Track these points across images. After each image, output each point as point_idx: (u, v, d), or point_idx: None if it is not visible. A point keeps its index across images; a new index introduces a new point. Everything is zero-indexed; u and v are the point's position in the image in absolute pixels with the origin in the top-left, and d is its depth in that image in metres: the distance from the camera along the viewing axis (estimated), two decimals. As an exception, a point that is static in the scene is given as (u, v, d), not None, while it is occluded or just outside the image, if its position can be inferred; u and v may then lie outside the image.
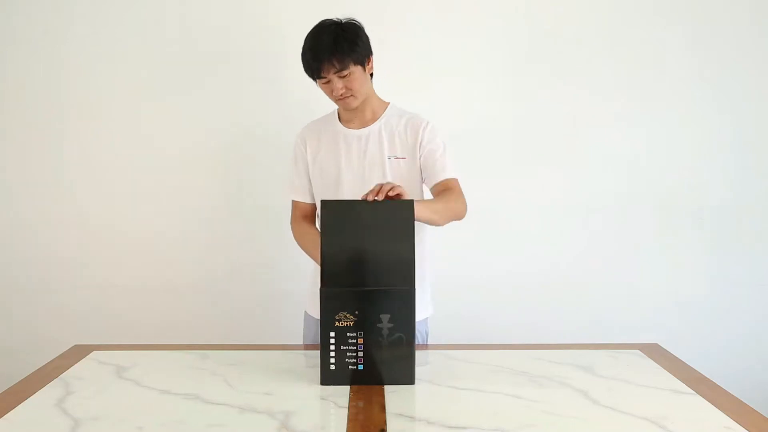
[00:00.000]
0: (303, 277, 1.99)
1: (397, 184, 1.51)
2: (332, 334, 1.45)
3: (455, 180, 1.80)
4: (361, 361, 1.45)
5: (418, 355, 1.50)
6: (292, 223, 1.90)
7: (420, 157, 1.80)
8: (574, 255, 2.58)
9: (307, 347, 1.81)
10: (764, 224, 2.63)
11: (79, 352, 1.71)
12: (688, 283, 2.63)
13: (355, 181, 1.79)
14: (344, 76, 1.68)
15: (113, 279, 2.59)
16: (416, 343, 1.48)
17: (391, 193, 1.48)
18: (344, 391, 1.42)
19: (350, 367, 1.45)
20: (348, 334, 1.44)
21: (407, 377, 1.45)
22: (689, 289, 2.62)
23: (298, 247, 1.85)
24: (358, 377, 1.45)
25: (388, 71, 2.57)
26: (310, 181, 1.87)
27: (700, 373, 1.54)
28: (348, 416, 1.29)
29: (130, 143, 2.54)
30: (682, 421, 1.27)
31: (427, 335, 1.95)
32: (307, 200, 1.89)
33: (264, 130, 2.51)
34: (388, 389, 1.44)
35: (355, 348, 1.45)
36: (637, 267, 2.60)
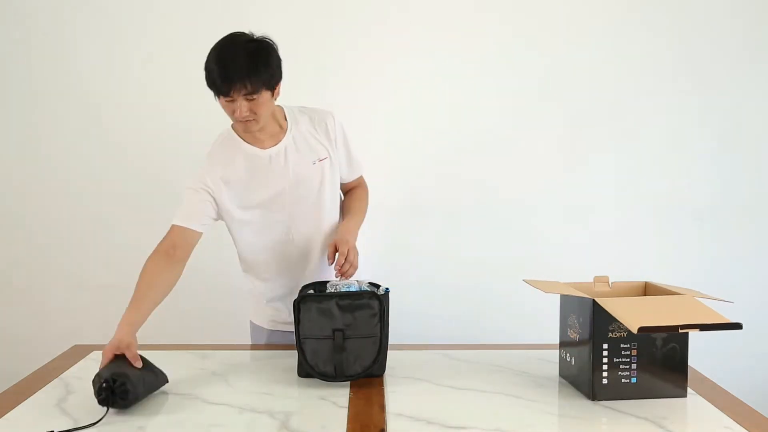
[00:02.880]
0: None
1: (347, 245, 1.60)
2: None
3: (362, 178, 1.88)
4: None
5: (417, 354, 1.49)
6: (155, 249, 1.67)
7: (336, 154, 1.76)
8: (574, 255, 2.58)
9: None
10: (764, 224, 2.63)
11: (79, 352, 1.71)
12: (688, 283, 2.63)
13: (289, 198, 1.71)
14: (252, 99, 1.54)
15: (113, 279, 2.58)
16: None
17: (349, 258, 1.58)
18: (344, 391, 1.42)
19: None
20: None
21: None
22: (689, 289, 2.62)
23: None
24: None
25: (386, 72, 2.58)
26: (211, 211, 1.71)
27: (700, 373, 1.54)
28: (348, 416, 1.28)
29: (128, 143, 2.54)
30: (682, 421, 1.27)
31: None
32: (199, 229, 1.70)
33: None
34: (388, 389, 1.44)
35: None
36: (637, 267, 2.60)
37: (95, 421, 1.24)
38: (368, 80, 2.54)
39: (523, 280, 1.53)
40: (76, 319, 2.58)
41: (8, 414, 1.30)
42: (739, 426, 1.24)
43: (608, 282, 1.54)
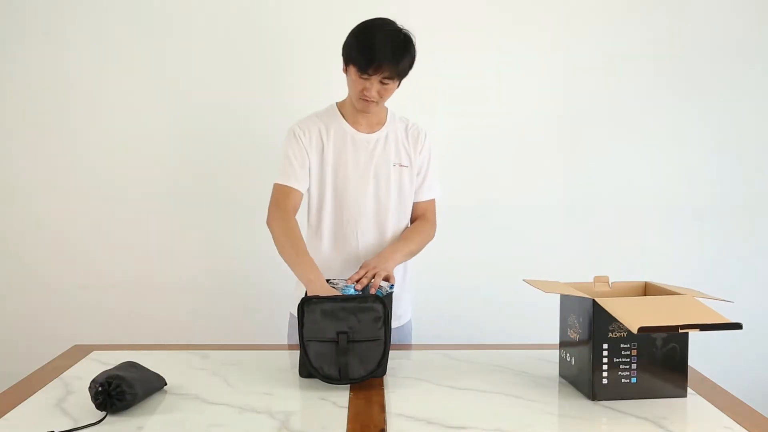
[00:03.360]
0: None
1: (381, 266, 1.62)
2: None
3: (433, 202, 1.89)
4: None
5: (417, 354, 1.49)
6: (276, 212, 1.70)
7: (416, 167, 1.83)
8: (574, 255, 2.58)
9: (291, 347, 1.81)
10: (764, 224, 2.63)
11: (79, 352, 1.71)
12: (688, 283, 2.63)
13: (358, 186, 1.77)
14: (385, 84, 1.66)
15: (113, 279, 2.59)
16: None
17: (375, 280, 1.58)
18: (344, 391, 1.42)
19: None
20: None
21: None
22: (689, 289, 2.62)
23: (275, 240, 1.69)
24: None
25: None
26: (308, 169, 1.77)
27: (700, 373, 1.54)
28: (348, 416, 1.28)
29: (129, 144, 2.54)
30: (682, 421, 1.27)
31: (410, 335, 1.97)
32: (302, 188, 1.76)
33: (260, 132, 2.51)
34: (388, 389, 1.44)
35: None
36: (637, 267, 2.60)
37: (95, 421, 1.24)
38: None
39: (523, 280, 1.53)
40: (76, 319, 2.58)
41: (8, 414, 1.30)
42: (739, 426, 1.24)
43: (608, 282, 1.54)
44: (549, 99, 2.57)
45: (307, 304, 1.44)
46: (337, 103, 1.84)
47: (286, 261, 1.65)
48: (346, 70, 1.70)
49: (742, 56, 2.57)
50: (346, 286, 1.56)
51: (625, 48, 2.55)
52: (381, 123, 1.81)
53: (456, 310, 2.58)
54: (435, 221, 1.90)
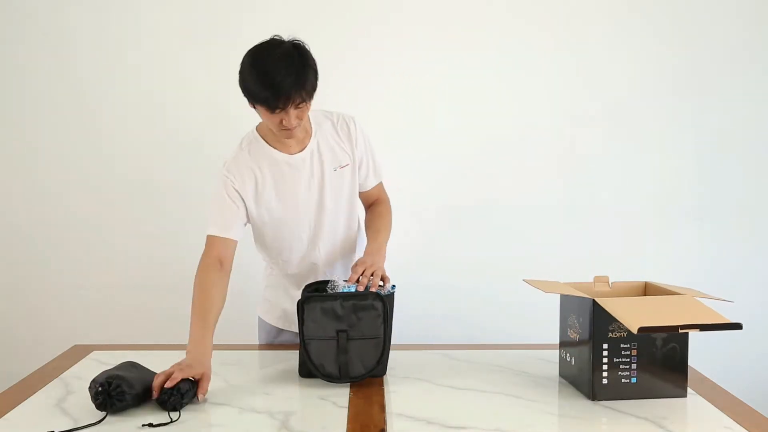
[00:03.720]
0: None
1: (377, 264, 1.57)
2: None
3: (381, 185, 1.84)
4: None
5: (417, 354, 1.49)
6: (202, 263, 1.60)
7: (356, 159, 1.75)
8: (574, 255, 2.58)
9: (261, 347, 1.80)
10: (764, 224, 2.63)
11: (79, 352, 1.71)
12: (688, 283, 2.62)
13: (311, 204, 1.71)
14: (300, 108, 1.52)
15: (113, 279, 2.59)
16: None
17: (374, 279, 1.53)
18: (344, 391, 1.42)
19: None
20: None
21: None
22: (689, 289, 2.62)
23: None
24: None
25: (385, 72, 2.58)
26: (244, 216, 1.69)
27: (700, 373, 1.54)
28: (348, 416, 1.29)
29: (128, 145, 2.54)
30: (682, 421, 1.27)
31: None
32: (238, 237, 1.68)
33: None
34: (388, 389, 1.44)
35: None
36: (637, 267, 2.60)
37: (95, 421, 1.24)
38: (367, 81, 2.54)
39: (523, 280, 1.53)
40: (76, 319, 2.58)
41: (8, 414, 1.30)
42: (739, 426, 1.24)
43: (608, 282, 1.54)
44: (549, 99, 2.56)
45: (307, 302, 1.44)
46: (256, 128, 1.72)
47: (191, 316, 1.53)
48: (253, 106, 1.57)
49: (742, 55, 2.57)
50: (347, 287, 1.56)
51: (626, 48, 2.54)
52: (308, 134, 1.69)
53: (456, 310, 2.58)
54: (388, 198, 1.86)
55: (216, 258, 1.60)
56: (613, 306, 1.30)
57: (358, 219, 1.84)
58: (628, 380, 1.36)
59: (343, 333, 1.43)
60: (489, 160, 2.57)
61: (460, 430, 1.22)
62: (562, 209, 2.59)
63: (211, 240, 1.63)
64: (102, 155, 2.54)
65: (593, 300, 1.34)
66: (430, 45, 2.53)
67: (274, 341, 1.88)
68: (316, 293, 1.49)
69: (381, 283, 1.58)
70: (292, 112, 1.51)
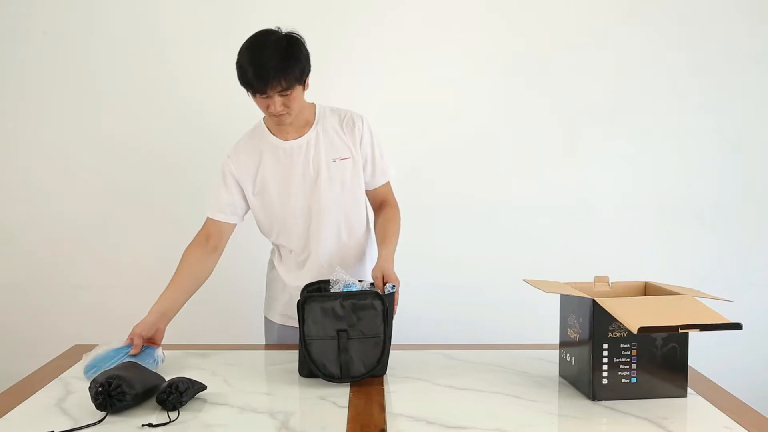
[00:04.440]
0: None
1: (387, 273, 1.59)
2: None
3: (389, 185, 1.86)
4: None
5: (417, 354, 1.49)
6: (192, 240, 1.79)
7: (360, 155, 1.77)
8: (574, 255, 2.58)
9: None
10: (764, 224, 2.63)
11: (79, 352, 1.71)
12: (688, 283, 2.63)
13: (304, 193, 1.74)
14: (286, 95, 1.59)
15: (113, 279, 2.59)
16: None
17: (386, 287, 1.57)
18: (344, 391, 1.42)
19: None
20: None
21: None
22: (689, 289, 2.62)
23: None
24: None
25: (384, 71, 2.58)
26: (240, 201, 1.79)
27: (700, 373, 1.54)
28: (348, 416, 1.28)
29: (129, 144, 2.54)
30: (682, 421, 1.27)
31: None
32: (230, 220, 1.79)
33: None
34: (388, 389, 1.44)
35: None
36: (637, 267, 2.60)
37: (95, 421, 1.24)
38: (366, 80, 2.54)
39: (523, 280, 1.53)
40: (76, 319, 2.58)
41: (8, 414, 1.30)
42: (739, 426, 1.24)
43: (608, 282, 1.54)
44: (549, 99, 2.57)
45: (306, 302, 1.44)
46: (263, 117, 1.79)
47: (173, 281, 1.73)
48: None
49: (743, 55, 2.57)
50: (349, 284, 1.55)
51: (626, 48, 2.55)
52: (309, 124, 1.75)
53: (456, 310, 2.58)
54: (396, 202, 1.88)
55: (203, 236, 1.77)
56: (613, 306, 1.30)
57: (366, 219, 1.84)
58: (628, 380, 1.36)
59: (343, 332, 1.43)
60: (489, 160, 2.57)
61: (459, 430, 1.22)
62: (562, 209, 2.60)
63: (205, 221, 1.80)
64: (103, 156, 2.55)
65: (593, 300, 1.34)
66: (428, 45, 2.52)
67: (279, 340, 1.88)
68: (316, 293, 1.49)
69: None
70: (277, 98, 1.59)
